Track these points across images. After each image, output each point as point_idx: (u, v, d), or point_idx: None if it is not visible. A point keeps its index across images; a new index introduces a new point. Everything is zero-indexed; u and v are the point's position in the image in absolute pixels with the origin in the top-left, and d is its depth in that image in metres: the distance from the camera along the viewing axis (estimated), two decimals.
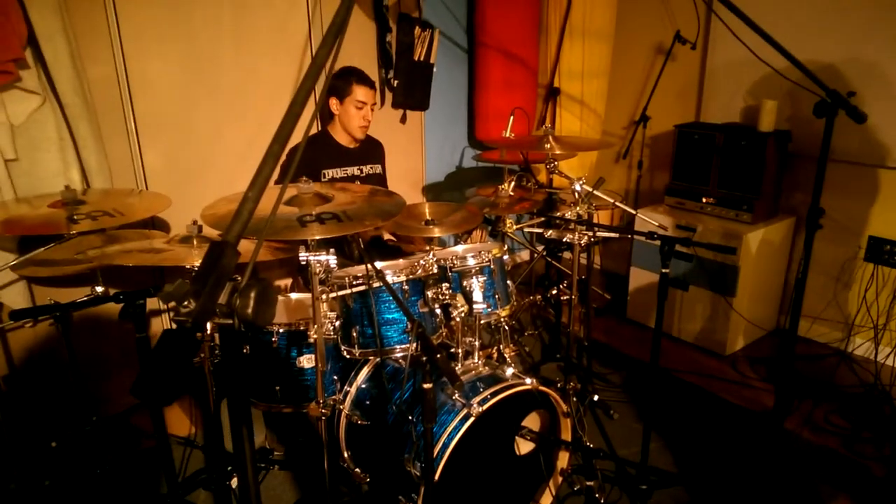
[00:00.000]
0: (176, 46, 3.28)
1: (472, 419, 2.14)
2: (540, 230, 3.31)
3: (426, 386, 1.91)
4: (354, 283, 2.37)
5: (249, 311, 1.00)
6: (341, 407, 2.52)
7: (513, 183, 3.43)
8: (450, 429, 2.14)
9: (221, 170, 3.55)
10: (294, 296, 2.95)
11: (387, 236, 3.72)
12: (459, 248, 2.92)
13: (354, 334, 2.43)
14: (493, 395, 2.22)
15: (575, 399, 3.16)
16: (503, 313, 2.70)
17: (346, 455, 2.54)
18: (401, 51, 4.23)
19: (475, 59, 4.73)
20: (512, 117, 3.58)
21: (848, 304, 3.82)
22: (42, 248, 2.45)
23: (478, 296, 2.47)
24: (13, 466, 2.64)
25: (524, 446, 2.47)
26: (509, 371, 2.41)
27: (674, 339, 4.07)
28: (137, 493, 2.84)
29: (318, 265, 2.14)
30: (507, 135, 3.58)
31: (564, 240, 2.95)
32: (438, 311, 2.51)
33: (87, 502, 2.72)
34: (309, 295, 2.30)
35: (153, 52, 3.21)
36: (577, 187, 2.91)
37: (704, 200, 3.96)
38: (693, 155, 4.01)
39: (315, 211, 2.16)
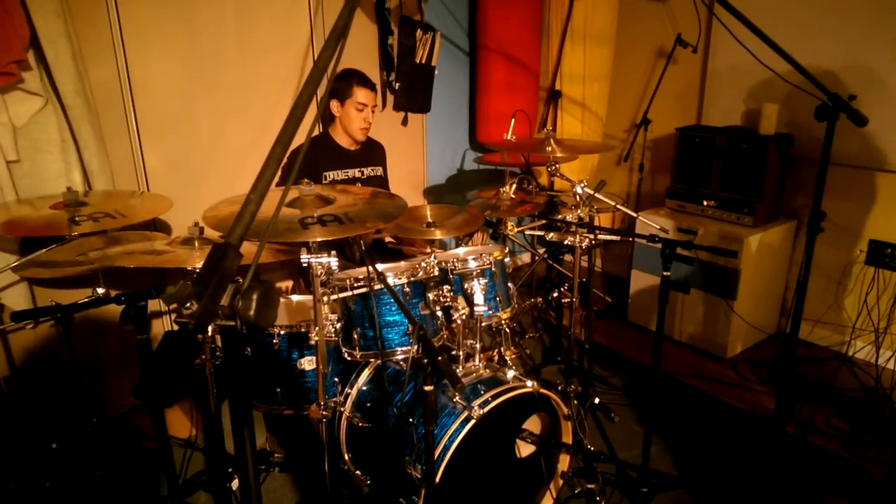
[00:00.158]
0: (178, 48, 3.28)
1: (473, 422, 2.14)
2: (541, 233, 3.30)
3: (427, 388, 1.91)
4: (356, 285, 2.37)
5: (252, 312, 1.01)
6: (342, 409, 2.52)
7: (514, 185, 3.43)
8: (451, 431, 2.14)
9: (223, 172, 3.55)
10: (295, 298, 2.95)
11: (388, 239, 3.71)
12: (461, 251, 2.92)
13: (355, 336, 2.43)
14: (494, 397, 2.22)
15: (576, 402, 3.15)
16: (504, 316, 2.70)
17: (346, 457, 2.54)
18: (402, 53, 4.23)
19: (476, 62, 4.73)
20: (513, 120, 3.58)
21: (849, 308, 3.82)
22: (43, 250, 2.45)
23: (479, 298, 2.47)
24: (14, 468, 2.63)
25: (525, 449, 2.47)
26: (510, 374, 2.41)
27: (675, 342, 4.07)
28: (138, 494, 2.83)
29: (320, 267, 2.14)
30: (509, 137, 3.58)
31: (565, 242, 2.95)
32: (439, 313, 2.51)
33: None
34: (310, 297, 2.30)
35: (155, 55, 3.21)
36: (579, 190, 2.91)
37: (706, 203, 3.96)
38: (694, 158, 4.01)
39: (317, 213, 2.16)
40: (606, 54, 4.55)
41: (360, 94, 3.31)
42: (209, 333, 2.43)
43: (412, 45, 4.24)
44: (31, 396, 3.03)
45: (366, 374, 2.58)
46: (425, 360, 1.87)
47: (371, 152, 3.61)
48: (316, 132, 3.62)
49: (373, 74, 3.98)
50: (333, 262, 2.13)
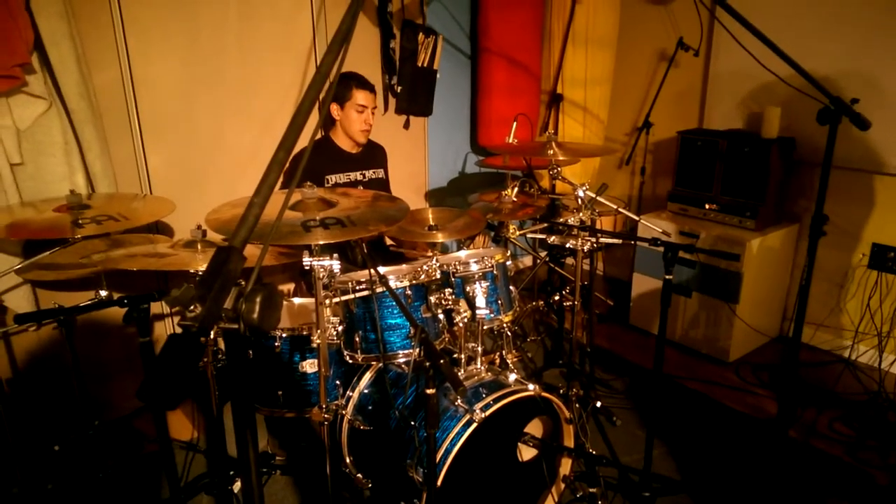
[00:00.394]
0: (181, 52, 3.29)
1: (474, 425, 2.13)
2: (543, 236, 3.31)
3: (429, 391, 1.91)
4: (358, 288, 2.37)
5: (255, 315, 1.01)
6: (344, 412, 2.52)
7: (516, 189, 3.43)
8: (452, 434, 2.14)
9: (225, 175, 3.56)
10: (297, 301, 2.95)
11: (388, 242, 3.72)
12: (462, 254, 2.92)
13: (357, 339, 2.43)
14: (496, 400, 2.21)
15: (577, 405, 3.15)
16: (506, 319, 2.70)
17: (348, 460, 2.54)
18: (404, 57, 4.23)
19: (478, 65, 4.74)
20: (515, 123, 3.59)
21: (851, 312, 3.82)
22: (47, 252, 2.46)
23: (480, 301, 2.47)
24: (16, 470, 2.63)
25: (527, 452, 2.47)
26: (512, 377, 2.40)
27: (677, 345, 4.06)
28: (140, 497, 2.83)
29: (322, 270, 2.14)
30: (511, 141, 3.58)
31: (567, 246, 2.95)
32: (441, 316, 2.51)
33: None
34: (312, 300, 2.30)
35: (158, 58, 3.22)
36: (580, 193, 2.91)
37: (708, 207, 3.96)
38: (696, 161, 4.01)
39: (319, 216, 2.17)
40: (608, 58, 4.55)
41: (360, 97, 3.32)
42: (212, 336, 2.43)
43: (414, 49, 4.24)
44: (33, 399, 3.04)
45: (367, 377, 2.58)
46: (427, 363, 1.87)
47: (373, 155, 3.62)
48: (318, 136, 3.62)
49: (375, 78, 3.98)
50: (335, 264, 2.14)
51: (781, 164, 3.79)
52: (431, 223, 3.01)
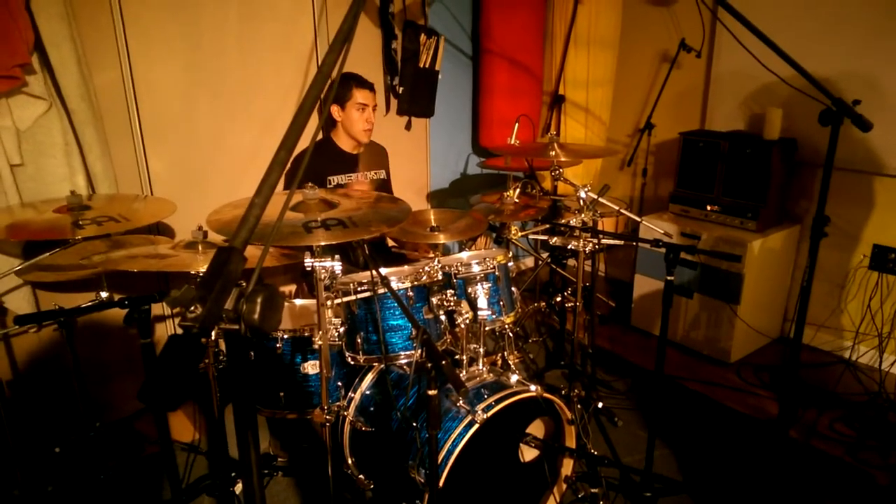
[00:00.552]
0: (182, 53, 3.29)
1: (476, 426, 2.13)
2: (544, 237, 3.31)
3: (431, 392, 1.91)
4: (359, 289, 2.37)
5: (256, 316, 1.00)
6: (345, 413, 2.52)
7: (517, 190, 3.43)
8: (454, 435, 2.14)
9: (226, 175, 3.56)
10: (298, 302, 2.95)
11: (389, 243, 3.72)
12: (464, 255, 2.92)
13: (359, 341, 2.42)
14: (498, 401, 2.21)
15: (579, 406, 3.15)
16: (508, 320, 2.70)
17: (350, 461, 2.54)
18: (406, 58, 4.23)
19: (480, 66, 4.74)
20: (517, 124, 3.58)
21: (852, 313, 3.81)
22: (47, 253, 2.46)
23: (482, 302, 2.47)
24: (17, 472, 2.63)
25: (528, 453, 2.47)
26: (514, 378, 2.40)
27: (678, 346, 4.06)
28: (141, 499, 2.83)
29: (323, 271, 2.14)
30: (513, 142, 3.58)
31: (569, 247, 2.95)
32: (443, 317, 2.51)
33: None
34: (313, 301, 2.29)
35: (159, 59, 3.22)
36: (582, 194, 2.91)
37: (709, 208, 3.95)
38: (698, 163, 4.01)
39: (320, 217, 2.17)
40: (610, 59, 4.55)
41: (360, 95, 3.33)
42: (213, 337, 2.43)
43: (416, 50, 4.24)
44: (34, 400, 3.04)
45: (369, 378, 2.57)
46: (429, 365, 1.87)
47: (374, 156, 3.62)
48: (319, 138, 3.62)
49: (376, 79, 3.99)
50: (337, 265, 2.13)
51: (783, 166, 3.79)
52: (433, 224, 3.01)
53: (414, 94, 4.36)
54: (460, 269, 2.55)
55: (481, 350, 2.47)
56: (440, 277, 2.48)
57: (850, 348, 3.81)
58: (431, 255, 2.80)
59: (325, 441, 2.35)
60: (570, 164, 3.66)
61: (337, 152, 3.45)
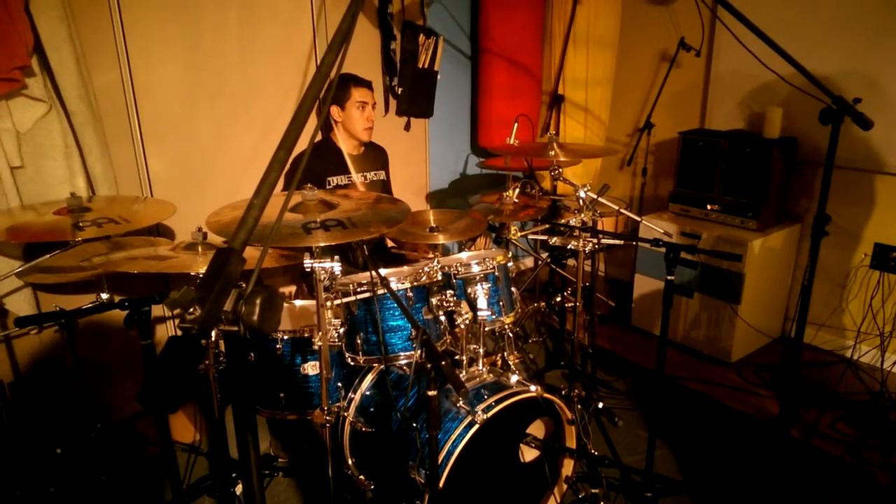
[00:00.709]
0: (181, 54, 3.29)
1: (476, 426, 2.13)
2: (544, 237, 3.30)
3: (430, 393, 1.91)
4: (359, 290, 2.37)
5: (255, 317, 1.00)
6: (345, 414, 2.52)
7: (517, 190, 3.43)
8: (454, 436, 2.14)
9: (226, 177, 3.56)
10: (298, 303, 2.95)
11: (389, 244, 3.72)
12: (464, 255, 2.92)
13: (359, 341, 2.42)
14: (498, 402, 2.21)
15: (579, 406, 3.15)
16: (507, 320, 2.70)
17: (350, 462, 2.54)
18: (405, 58, 4.23)
19: (479, 67, 4.74)
20: (516, 124, 3.58)
21: (853, 312, 3.81)
22: (47, 255, 2.46)
23: (482, 303, 2.47)
24: (18, 473, 2.63)
25: (529, 454, 2.46)
26: (514, 378, 2.40)
27: (678, 346, 4.06)
28: (142, 500, 2.83)
29: (323, 272, 2.14)
30: (512, 142, 3.58)
31: (569, 247, 2.95)
32: (443, 318, 2.51)
33: None
34: (313, 302, 2.29)
35: (159, 60, 3.22)
36: (582, 194, 2.91)
37: (709, 207, 3.95)
38: (698, 162, 4.00)
39: (320, 218, 2.17)
40: (609, 58, 4.55)
41: (358, 93, 3.34)
42: (213, 339, 2.43)
43: (415, 50, 4.24)
44: (35, 401, 3.04)
45: (369, 378, 2.57)
46: (429, 365, 1.87)
47: (374, 157, 3.62)
48: (317, 139, 3.62)
49: (375, 79, 3.98)
50: (336, 266, 2.13)
51: (783, 165, 3.78)
52: (433, 225, 3.01)
53: (413, 94, 4.35)
54: (460, 269, 2.55)
55: (481, 350, 2.47)
56: (440, 278, 2.48)
57: (852, 348, 3.81)
58: (431, 255, 2.80)
59: (325, 442, 2.35)
60: (569, 163, 3.66)
61: (337, 153, 3.45)
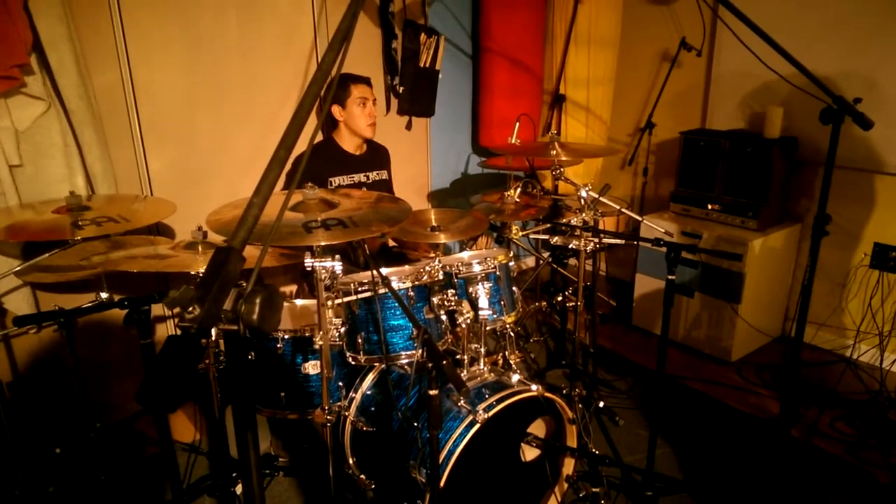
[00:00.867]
0: (181, 53, 3.29)
1: (477, 426, 2.13)
2: (545, 236, 3.30)
3: (432, 392, 1.90)
4: (360, 289, 2.36)
5: (255, 317, 1.00)
6: (346, 413, 2.51)
7: (518, 189, 3.43)
8: (455, 435, 2.13)
9: (226, 176, 3.55)
10: (299, 302, 2.94)
11: (391, 243, 3.71)
12: (465, 255, 2.92)
13: (360, 341, 2.42)
14: (499, 401, 2.21)
15: (580, 405, 3.15)
16: (509, 320, 2.69)
17: (351, 461, 2.53)
18: (406, 57, 4.23)
19: (480, 66, 4.73)
20: (517, 124, 3.58)
21: (853, 311, 3.81)
22: (46, 254, 2.45)
23: (483, 302, 2.46)
24: (17, 473, 2.63)
25: (530, 453, 2.46)
26: (515, 377, 2.40)
27: (679, 345, 4.06)
28: (142, 499, 2.83)
29: (324, 271, 2.13)
30: (513, 141, 3.58)
31: (570, 246, 2.94)
32: (444, 317, 2.51)
33: None
34: (314, 301, 2.29)
35: (159, 59, 3.21)
36: (583, 194, 2.91)
37: (710, 207, 3.95)
38: (699, 162, 4.00)
39: (320, 217, 2.16)
40: (610, 58, 4.55)
41: (357, 90, 3.34)
42: (213, 338, 2.43)
43: (416, 49, 4.24)
44: (34, 401, 3.03)
45: (370, 378, 2.57)
46: (430, 365, 1.87)
47: (376, 156, 3.62)
48: (318, 139, 3.62)
49: (377, 78, 3.99)
50: (337, 266, 2.13)
51: (784, 164, 3.78)
52: (434, 224, 3.00)
53: (414, 93, 4.35)
54: (461, 268, 2.55)
55: (482, 350, 2.47)
56: (441, 277, 2.47)
57: (851, 347, 3.81)
58: (432, 254, 2.80)
59: (326, 441, 2.35)
60: (570, 163, 3.66)
61: (339, 153, 3.45)
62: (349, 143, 3.46)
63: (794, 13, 3.77)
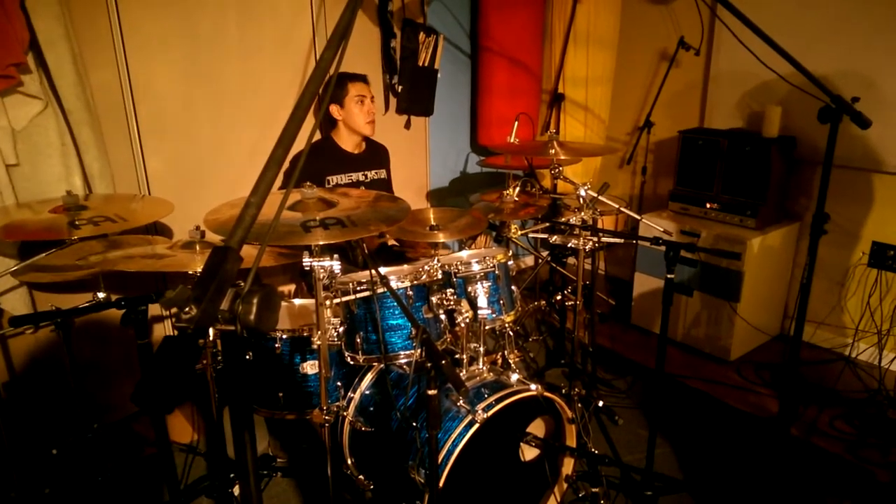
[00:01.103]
0: (179, 51, 3.28)
1: (476, 425, 2.12)
2: (544, 235, 3.30)
3: (431, 392, 1.90)
4: (358, 288, 2.36)
5: (252, 317, 0.99)
6: (345, 413, 2.51)
7: (517, 188, 3.42)
8: (454, 435, 2.13)
9: (224, 175, 3.54)
10: (297, 302, 2.94)
11: (390, 242, 3.70)
12: (464, 254, 2.91)
13: (358, 340, 2.41)
14: (498, 401, 2.20)
15: (580, 405, 3.14)
16: (508, 319, 2.69)
17: (349, 462, 2.53)
18: (405, 56, 4.22)
19: (479, 65, 4.73)
20: (516, 123, 3.57)
21: (852, 310, 3.81)
22: (43, 254, 2.44)
23: (482, 301, 2.46)
24: (13, 474, 2.62)
25: (529, 452, 2.46)
26: (514, 377, 2.39)
27: (678, 344, 4.05)
28: (139, 501, 2.82)
29: (322, 271, 2.13)
30: (512, 140, 3.57)
31: (569, 245, 2.94)
32: (443, 316, 2.50)
33: None
34: (312, 301, 2.28)
35: (156, 58, 3.20)
36: (582, 193, 2.90)
37: (709, 206, 3.94)
38: (697, 161, 4.00)
39: (319, 216, 2.15)
40: (609, 57, 4.54)
41: (355, 88, 3.34)
42: (211, 338, 2.42)
43: (415, 48, 4.23)
44: (31, 402, 3.02)
45: (369, 378, 2.56)
46: (429, 364, 1.86)
47: (375, 155, 3.61)
48: (317, 138, 3.61)
49: (375, 77, 3.98)
50: (336, 265, 2.12)
51: (782, 163, 3.78)
52: (433, 223, 2.99)
53: (413, 92, 4.35)
54: (460, 267, 2.54)
55: (481, 349, 2.46)
56: (440, 277, 2.47)
57: (850, 345, 3.81)
58: (431, 253, 2.79)
59: (324, 441, 2.34)
60: (569, 162, 3.65)
61: (337, 152, 3.44)
62: (348, 142, 3.45)
63: (793, 13, 3.77)
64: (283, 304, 2.93)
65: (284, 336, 2.51)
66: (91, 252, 2.46)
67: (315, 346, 2.22)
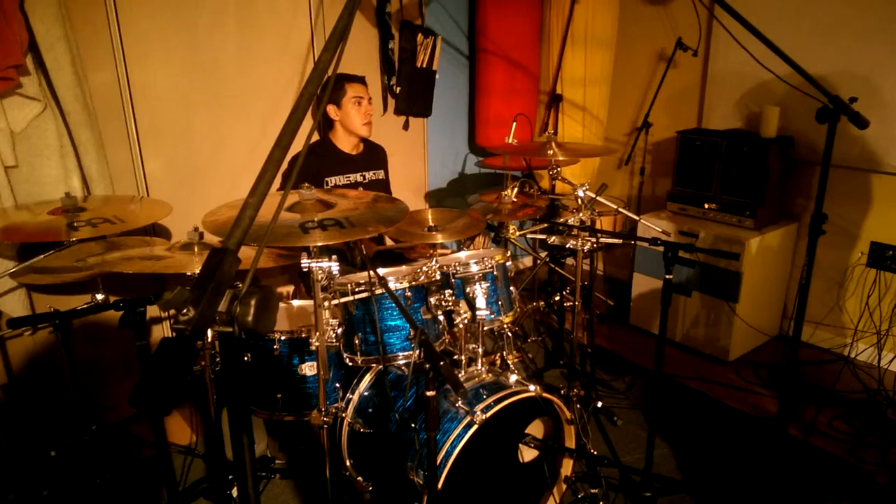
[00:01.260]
0: (178, 53, 3.28)
1: (475, 427, 2.12)
2: (543, 236, 3.30)
3: (429, 393, 1.90)
4: (357, 289, 2.36)
5: (250, 318, 0.99)
6: (343, 415, 2.50)
7: (515, 189, 3.42)
8: (453, 436, 2.13)
9: (223, 177, 3.54)
10: (296, 303, 2.94)
11: (389, 243, 3.70)
12: (462, 255, 2.91)
13: (357, 342, 2.41)
14: (497, 402, 2.20)
15: (578, 406, 3.14)
16: (506, 320, 2.69)
17: (348, 463, 2.52)
18: (403, 58, 4.23)
19: (477, 66, 4.73)
20: (515, 123, 3.57)
21: (850, 310, 3.81)
22: (42, 256, 2.44)
23: (481, 302, 2.46)
24: (12, 476, 2.62)
25: (528, 454, 2.46)
26: (513, 378, 2.39)
27: (677, 344, 4.05)
28: (137, 502, 2.82)
29: (321, 272, 2.12)
30: (510, 141, 3.57)
31: (567, 246, 2.94)
32: (441, 317, 2.50)
33: None
34: (311, 302, 2.28)
35: (155, 59, 3.21)
36: (580, 193, 2.90)
37: (707, 206, 3.95)
38: (695, 161, 4.00)
39: (317, 217, 2.15)
40: (607, 58, 4.55)
41: (352, 89, 3.33)
42: (209, 339, 2.41)
43: (413, 50, 4.23)
44: (29, 403, 3.02)
45: (367, 379, 2.56)
46: (427, 365, 1.86)
47: (373, 156, 3.61)
48: (315, 139, 3.61)
49: (374, 79, 3.98)
50: (334, 266, 2.12)
51: (780, 164, 3.78)
52: (431, 224, 2.99)
53: (411, 93, 4.35)
54: (458, 268, 2.54)
55: (480, 350, 2.46)
56: (438, 277, 2.47)
57: (849, 346, 3.81)
58: (429, 254, 2.79)
59: (323, 443, 2.34)
60: (567, 162, 3.66)
61: (335, 153, 3.44)
62: (346, 143, 3.45)
63: (790, 13, 3.77)
64: (282, 305, 2.93)
65: (283, 337, 2.51)
66: (89, 253, 2.46)
67: (313, 348, 2.22)
